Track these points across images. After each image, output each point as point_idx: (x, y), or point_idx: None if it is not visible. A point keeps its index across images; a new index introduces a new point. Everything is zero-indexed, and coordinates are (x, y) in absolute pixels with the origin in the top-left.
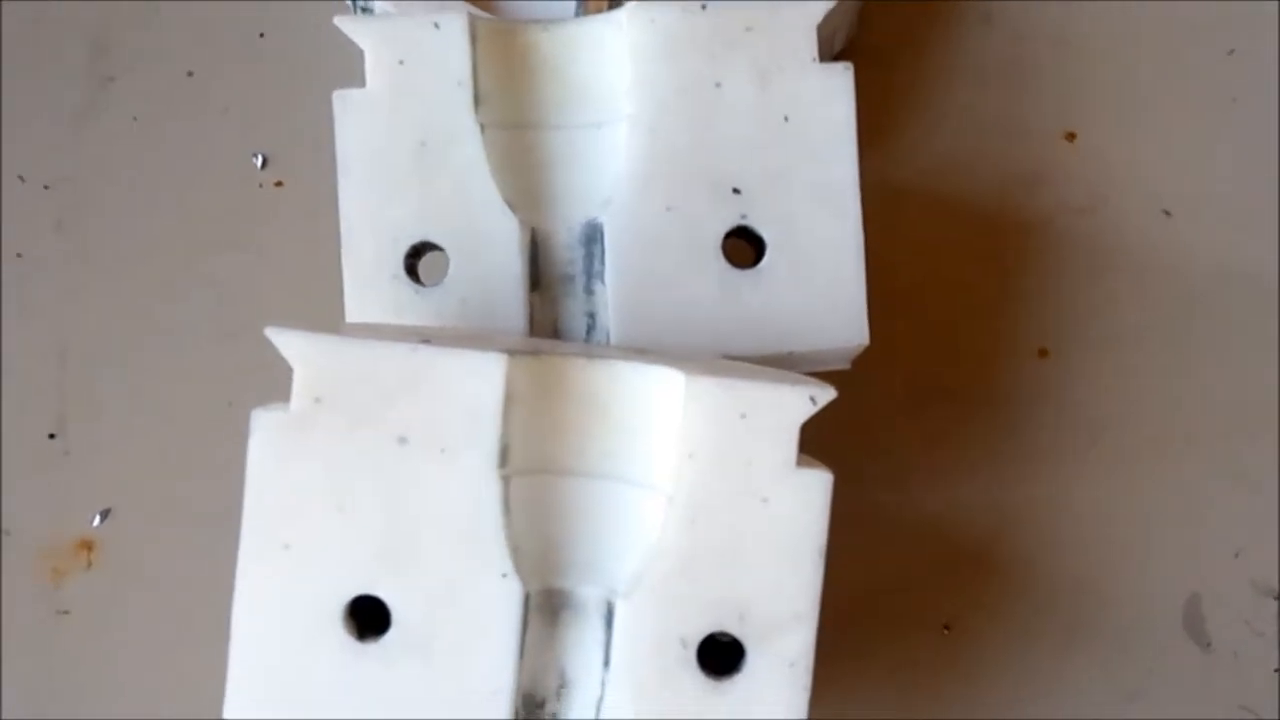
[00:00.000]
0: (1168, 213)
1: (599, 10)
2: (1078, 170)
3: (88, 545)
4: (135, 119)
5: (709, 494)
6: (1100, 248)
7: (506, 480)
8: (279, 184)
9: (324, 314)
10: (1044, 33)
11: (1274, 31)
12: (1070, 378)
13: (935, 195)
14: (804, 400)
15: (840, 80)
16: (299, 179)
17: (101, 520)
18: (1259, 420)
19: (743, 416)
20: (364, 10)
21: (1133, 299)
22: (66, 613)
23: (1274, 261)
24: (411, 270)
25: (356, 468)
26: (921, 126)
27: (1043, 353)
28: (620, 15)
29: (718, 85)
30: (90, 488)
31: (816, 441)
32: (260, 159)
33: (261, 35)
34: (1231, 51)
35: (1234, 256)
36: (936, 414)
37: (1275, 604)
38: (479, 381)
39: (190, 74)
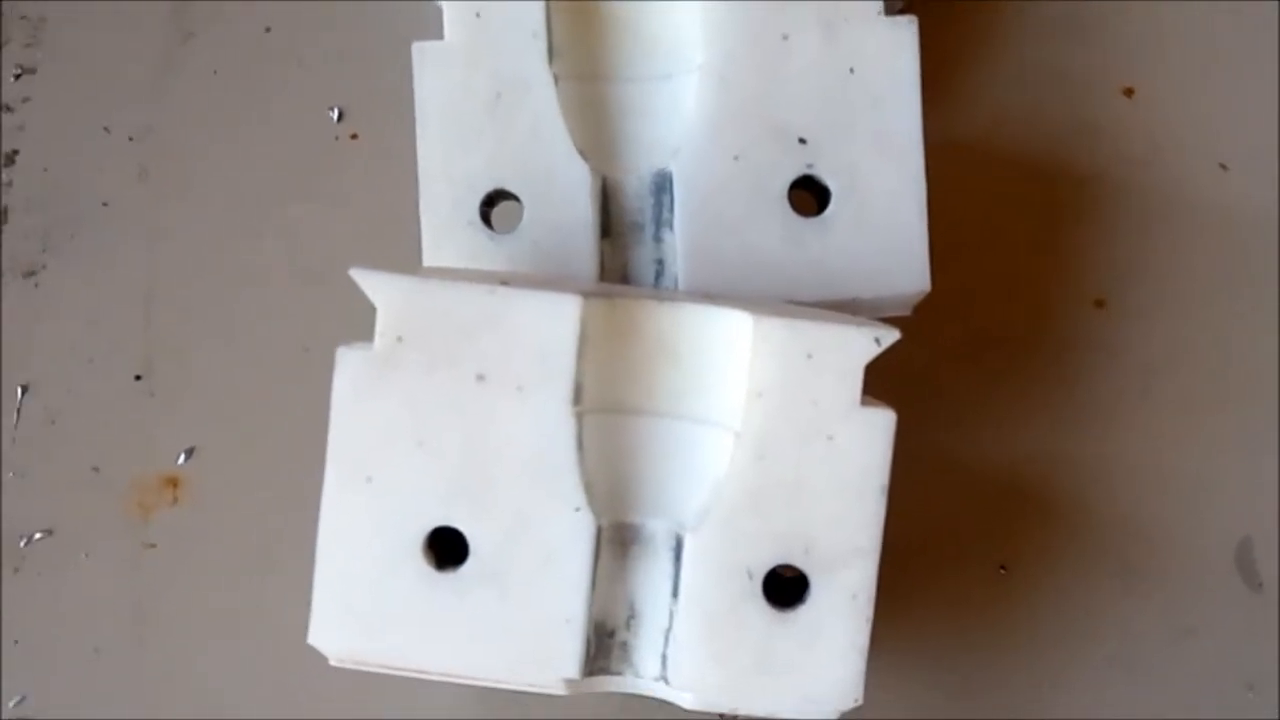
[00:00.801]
0: (1224, 166)
1: None
2: (1135, 124)
3: (173, 482)
4: (215, 72)
5: (776, 431)
6: (1156, 201)
7: (579, 418)
8: (354, 136)
9: (398, 261)
10: None
11: None
12: (1125, 328)
13: (994, 148)
14: (869, 340)
15: (905, 33)
16: (374, 131)
17: (186, 459)
18: None
19: (809, 356)
20: None
21: (1187, 251)
22: (153, 546)
23: None
24: (487, 217)
25: (436, 404)
26: (981, 80)
27: (1099, 303)
28: None
29: (785, 37)
30: (175, 427)
31: (878, 385)
32: (336, 112)
33: None
34: None
35: None
36: (994, 361)
37: None
38: (554, 322)
39: (268, 29)
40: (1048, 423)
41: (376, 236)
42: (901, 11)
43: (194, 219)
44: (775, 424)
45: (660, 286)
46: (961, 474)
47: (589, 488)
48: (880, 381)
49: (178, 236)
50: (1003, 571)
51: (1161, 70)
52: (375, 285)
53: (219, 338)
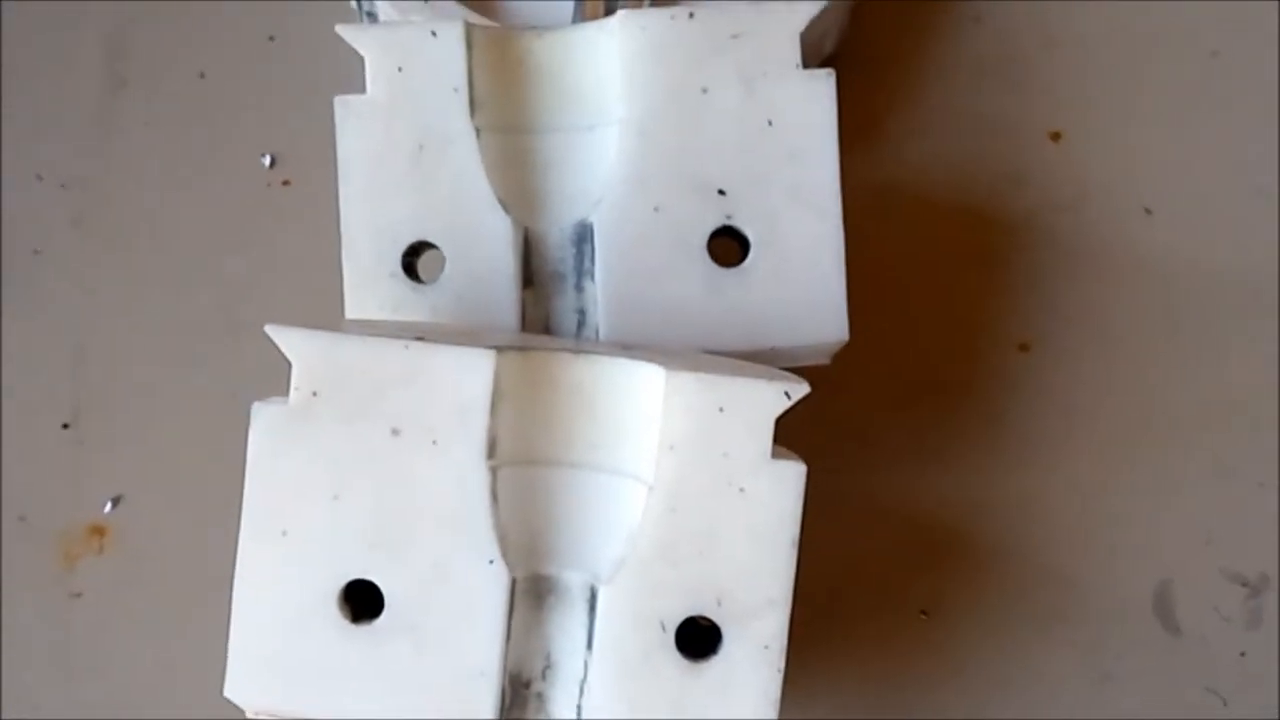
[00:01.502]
0: (1149, 211)
1: (595, 13)
2: (1062, 169)
3: (100, 531)
4: (148, 120)
5: (688, 484)
6: (1082, 245)
7: (495, 471)
8: (286, 183)
9: (328, 311)
10: (1033, 33)
11: (1257, 33)
12: (1050, 372)
13: (922, 193)
14: (779, 394)
15: (822, 85)
16: (306, 178)
17: (113, 507)
18: (1233, 413)
19: (720, 410)
20: (369, 15)
21: (1112, 295)
22: (79, 595)
23: (1251, 260)
24: (410, 269)
25: (352, 458)
26: (910, 125)
27: (1024, 347)
28: (612, 22)
29: (705, 90)
30: (102, 476)
31: (801, 432)
32: (269, 159)
33: (271, 38)
34: (1215, 53)
35: (1212, 254)
36: (919, 406)
37: (1243, 590)
38: (468, 377)
39: (202, 75)
40: (971, 467)
41: (307, 285)
42: (829, 59)
43: (125, 267)
44: (687, 476)
45: (582, 336)
46: (885, 519)
47: (504, 540)
48: (803, 428)
49: (109, 285)
50: (924, 616)
51: (1089, 115)
52: (289, 341)
53: (147, 387)
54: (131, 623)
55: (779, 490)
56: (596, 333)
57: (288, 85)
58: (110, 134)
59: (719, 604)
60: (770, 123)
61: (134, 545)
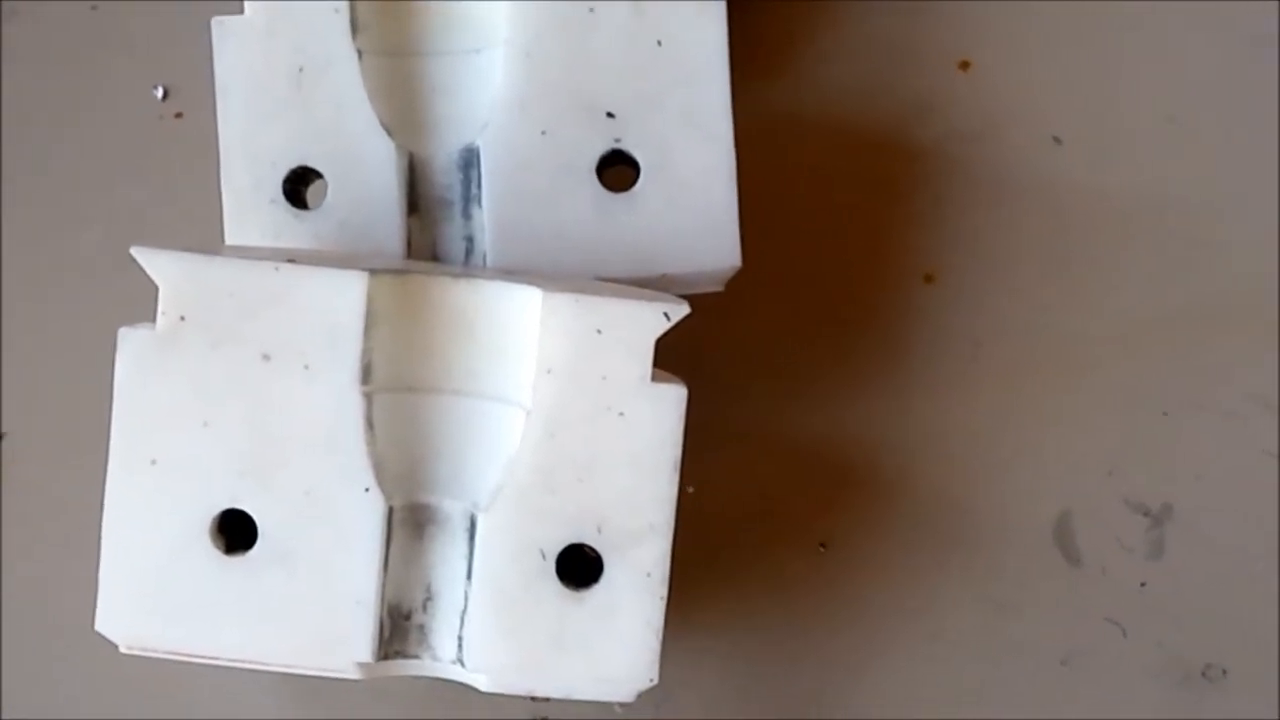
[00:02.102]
0: (1058, 140)
1: None
2: (970, 98)
3: None
4: (38, 52)
5: (566, 408)
6: (990, 175)
7: (369, 397)
8: (179, 115)
9: (219, 243)
10: None
11: None
12: (954, 302)
13: (829, 122)
14: (658, 315)
15: (712, 6)
16: (199, 111)
17: None
18: (1136, 344)
19: (598, 332)
20: None
21: (1018, 225)
22: None
23: (1158, 189)
24: (296, 196)
25: (221, 384)
26: (819, 53)
27: (929, 278)
28: None
29: (591, 10)
30: None
31: (699, 362)
32: (161, 91)
33: None
34: None
35: (1121, 184)
36: (821, 337)
37: (1144, 520)
38: (340, 299)
39: (93, 7)
40: (872, 398)
41: (200, 217)
42: None
43: (15, 201)
44: (565, 401)
45: (470, 263)
46: (784, 452)
47: (380, 467)
48: (703, 357)
49: None
50: (823, 549)
51: (998, 44)
52: (156, 264)
53: (36, 320)
54: (16, 560)
55: (659, 413)
56: (484, 260)
57: (181, 16)
58: None
59: (599, 531)
60: (660, 44)
61: (18, 481)
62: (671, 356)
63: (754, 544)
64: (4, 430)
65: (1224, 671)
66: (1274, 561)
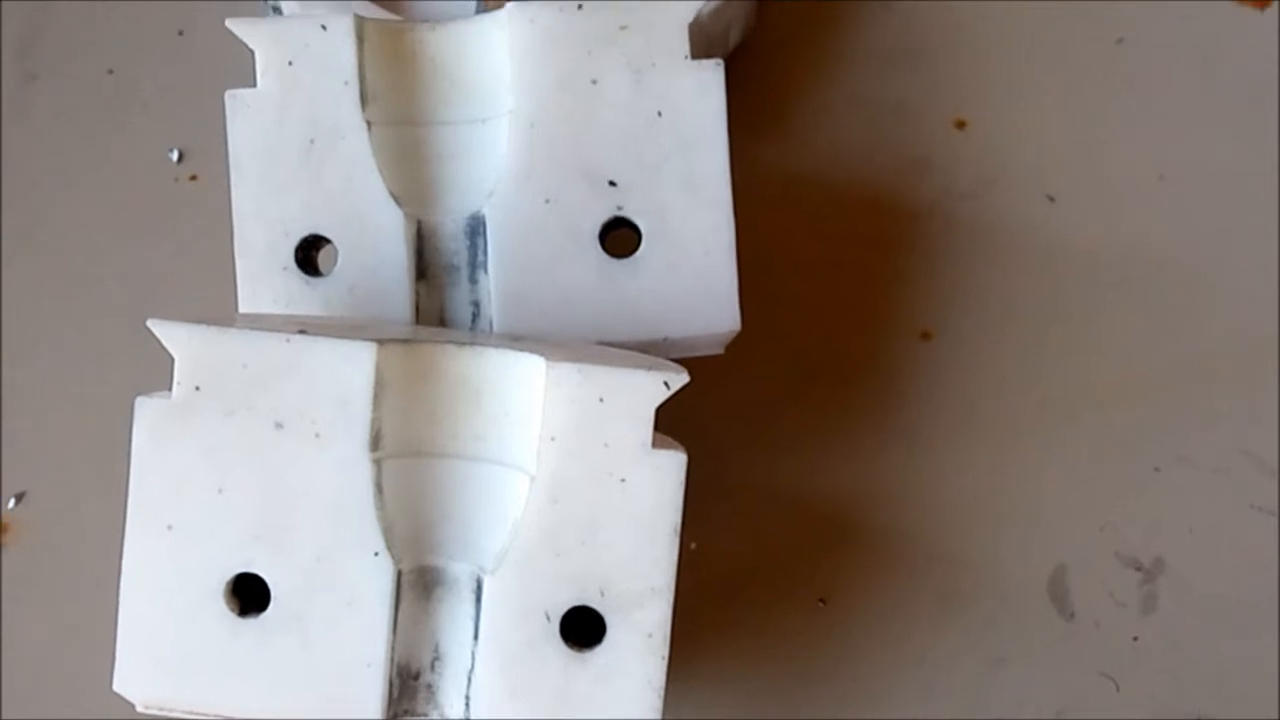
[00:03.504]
0: (1052, 198)
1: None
2: (966, 156)
3: (1, 527)
4: (57, 115)
5: (569, 474)
6: (984, 232)
7: (379, 463)
8: (194, 178)
9: (232, 305)
10: (939, 21)
11: (1161, 20)
12: (951, 359)
13: (827, 180)
14: (658, 384)
15: (711, 76)
16: (213, 174)
17: (16, 504)
18: (1129, 400)
19: (600, 400)
20: (274, 9)
21: (1013, 282)
22: None
23: (1151, 247)
24: (309, 262)
25: (235, 452)
26: (817, 113)
27: (925, 335)
28: (502, 14)
29: (594, 82)
30: (4, 472)
31: (700, 420)
32: (177, 154)
33: (180, 33)
34: (1120, 40)
35: (1113, 241)
36: (820, 394)
37: (1137, 575)
38: (350, 369)
39: (111, 71)
40: (870, 454)
41: (214, 280)
42: (736, 51)
43: (31, 262)
44: (568, 467)
45: (476, 328)
46: (783, 507)
47: (389, 532)
48: (703, 415)
49: (14, 279)
50: (822, 604)
51: (993, 103)
52: (171, 336)
53: (52, 382)
54: (34, 619)
55: (660, 480)
56: (490, 324)
57: (197, 80)
58: (19, 128)
59: (602, 594)
60: (660, 114)
61: (37, 542)
62: (673, 416)
63: (754, 599)
64: (22, 490)
65: None
66: (1265, 615)
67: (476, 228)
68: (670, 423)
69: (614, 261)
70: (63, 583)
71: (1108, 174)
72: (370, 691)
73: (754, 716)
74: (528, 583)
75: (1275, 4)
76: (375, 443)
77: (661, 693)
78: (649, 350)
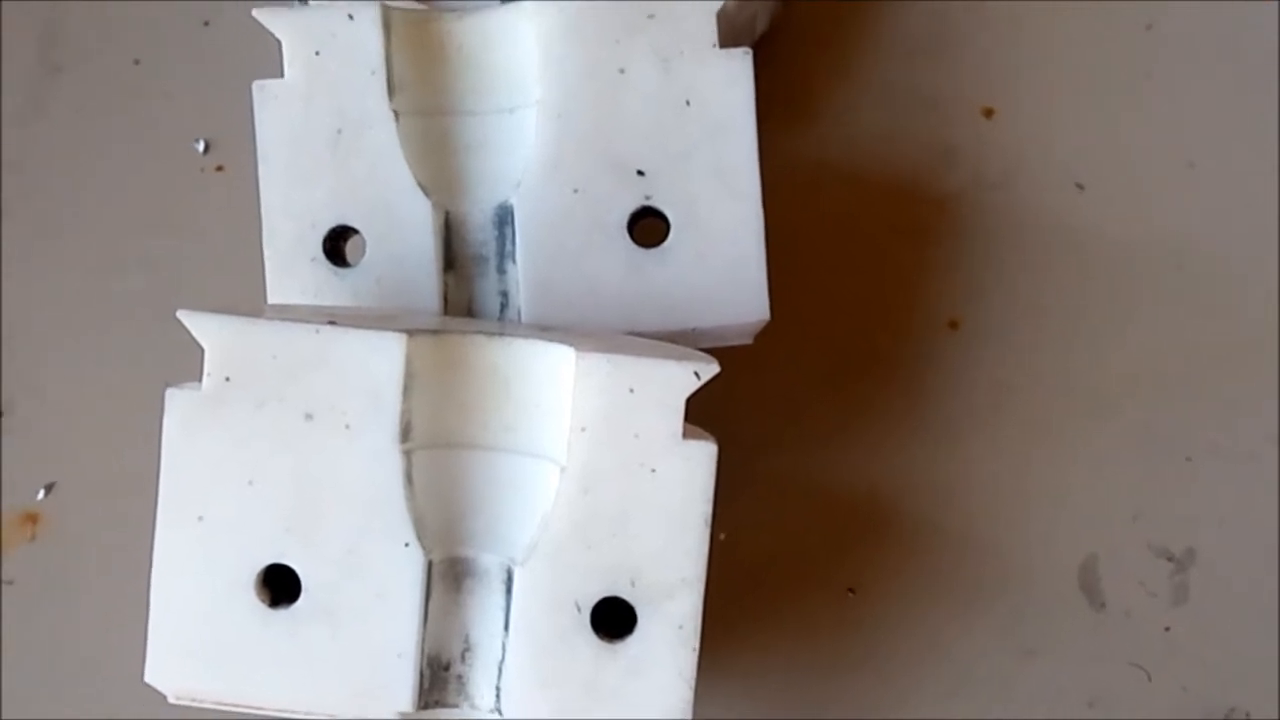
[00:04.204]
0: (1081, 186)
1: None
2: (994, 145)
3: (32, 518)
4: (82, 106)
5: (599, 465)
6: (1012, 221)
7: (409, 455)
8: (220, 168)
9: (259, 295)
10: (966, 9)
11: (1191, 7)
12: (980, 349)
13: (855, 170)
14: (688, 374)
15: (739, 65)
16: (239, 164)
17: (45, 494)
18: (1160, 388)
19: (631, 391)
20: (301, 0)
21: (1042, 271)
22: (11, 582)
23: (1180, 235)
24: (336, 252)
25: (265, 443)
26: (844, 102)
27: (954, 324)
28: (529, 3)
29: (622, 71)
30: (34, 463)
31: (728, 410)
32: (203, 144)
33: (206, 24)
34: (1149, 26)
35: (1143, 230)
36: (848, 384)
37: (1169, 565)
38: (379, 360)
39: (136, 61)
40: (899, 444)
41: (240, 270)
42: (762, 39)
43: (57, 255)
44: (598, 457)
45: (505, 318)
46: (812, 497)
47: (419, 523)
48: (732, 405)
49: (41, 272)
50: (851, 594)
51: (1022, 91)
52: (201, 326)
53: (80, 373)
54: (64, 610)
55: (690, 470)
56: (519, 314)
57: (222, 71)
58: (44, 120)
59: (633, 584)
60: (688, 103)
61: (67, 533)
62: (703, 406)
63: (784, 589)
64: (51, 481)
65: (1248, 715)
66: None
67: (504, 218)
68: (699, 413)
69: (642, 251)
70: (93, 574)
71: (1137, 162)
72: (401, 682)
73: (784, 706)
74: (558, 574)
75: None
76: (405, 434)
77: (692, 684)
78: (678, 340)
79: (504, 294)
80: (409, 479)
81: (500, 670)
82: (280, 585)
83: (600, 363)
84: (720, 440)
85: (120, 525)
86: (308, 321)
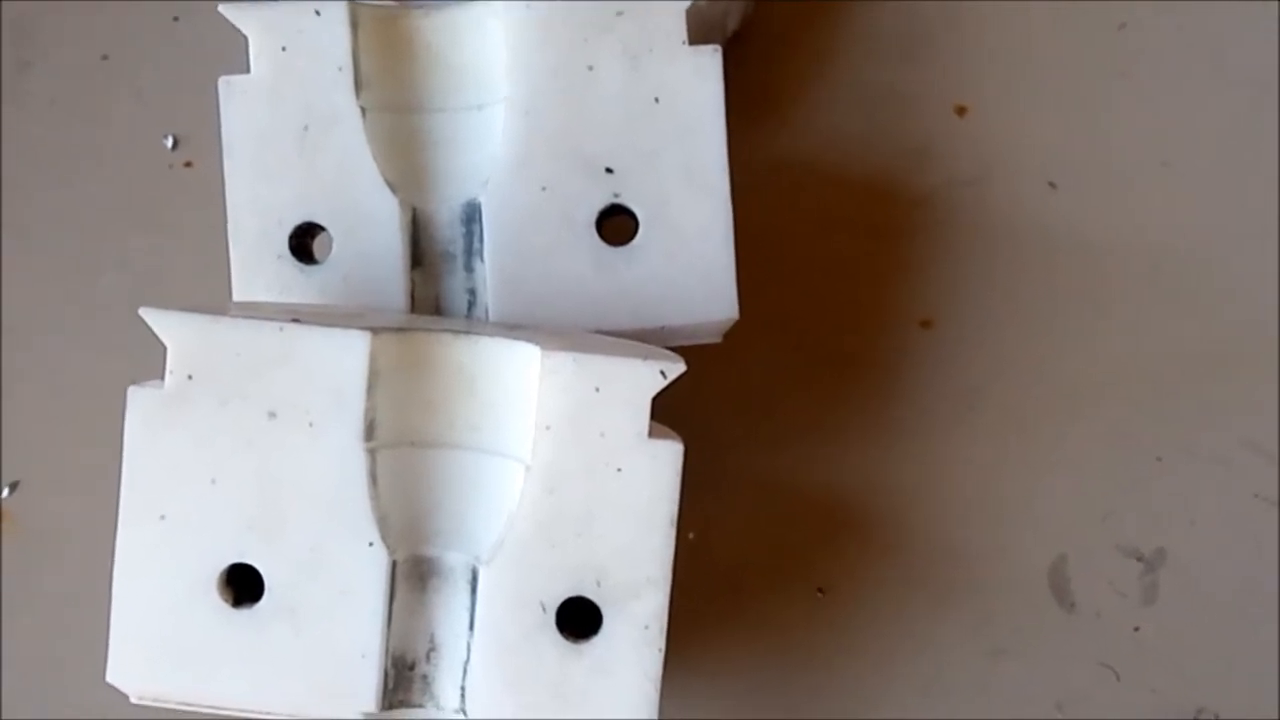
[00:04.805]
0: (1053, 185)
1: None
2: (967, 143)
3: None
4: (52, 101)
5: (565, 464)
6: (985, 220)
7: (373, 453)
8: (188, 164)
9: (228, 292)
10: (939, 7)
11: (1164, 6)
12: (951, 348)
13: (827, 168)
14: (654, 374)
15: (708, 62)
16: (208, 160)
17: (10, 492)
18: (1130, 388)
19: (596, 390)
20: None
21: (1015, 270)
22: None
23: (1152, 234)
24: (303, 249)
25: (228, 441)
26: (816, 100)
27: (925, 323)
28: (498, 1)
29: (590, 68)
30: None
31: (699, 408)
32: (171, 140)
33: (175, 19)
34: (1122, 26)
35: (1115, 229)
36: (819, 383)
37: (1138, 565)
38: (343, 358)
39: (105, 57)
40: (870, 443)
41: (208, 267)
42: (734, 37)
43: (26, 250)
44: (564, 456)
45: (472, 316)
46: (783, 496)
47: (383, 522)
48: (702, 403)
49: (8, 266)
50: (821, 594)
51: (994, 89)
52: (164, 324)
53: (46, 370)
54: (28, 608)
55: (656, 470)
56: (486, 313)
57: (191, 67)
58: (13, 115)
59: (599, 584)
60: (657, 100)
61: (31, 530)
62: (670, 404)
63: (753, 589)
64: (16, 479)
65: (1216, 715)
66: (1267, 605)
67: (472, 215)
68: (667, 412)
69: (611, 249)
70: (56, 573)
71: (1110, 161)
72: (365, 682)
73: (752, 706)
74: (523, 573)
75: None
76: (369, 432)
77: (658, 684)
78: (646, 339)
79: (471, 292)
80: (373, 478)
81: (465, 670)
82: (243, 585)
83: (565, 361)
84: (689, 439)
85: (84, 523)
86: (271, 319)
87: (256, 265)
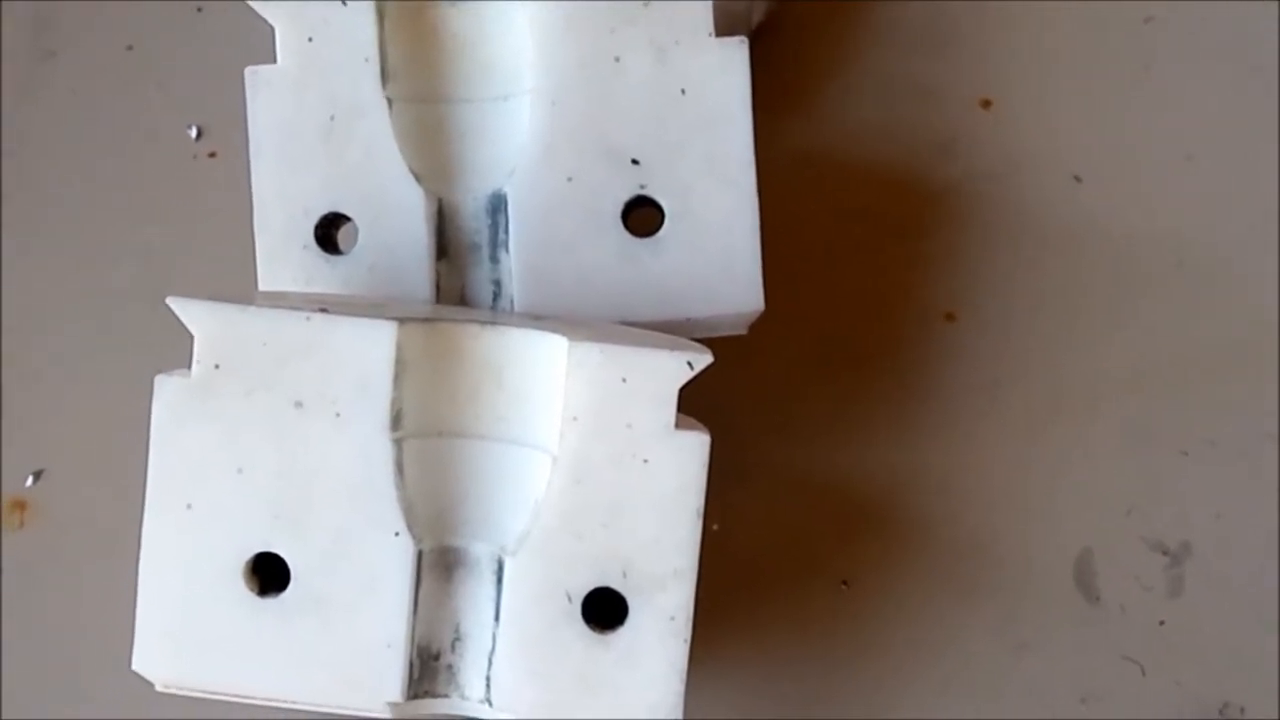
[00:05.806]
0: (1078, 179)
1: None
2: (991, 136)
3: (20, 505)
4: (75, 91)
5: (591, 455)
6: (1009, 213)
7: (399, 443)
8: (212, 155)
9: (251, 282)
10: (963, 2)
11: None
12: (975, 341)
13: (852, 161)
14: (681, 365)
15: (735, 54)
16: (232, 150)
17: (34, 481)
18: (1155, 383)
19: (623, 381)
20: None
21: (1038, 264)
22: None
23: (1178, 228)
24: (328, 240)
25: (254, 431)
26: (841, 93)
27: (949, 317)
28: None
29: (617, 59)
30: (23, 450)
31: (723, 401)
32: (196, 130)
33: (199, 9)
34: (1148, 19)
35: (1141, 223)
36: (843, 376)
37: (1163, 559)
38: (370, 348)
39: (129, 48)
40: (894, 436)
41: (233, 257)
42: (758, 30)
43: (49, 239)
44: (590, 447)
45: (497, 307)
46: (806, 489)
47: (409, 512)
48: (728, 396)
49: (32, 257)
50: (845, 587)
51: (1019, 82)
52: (190, 313)
53: (71, 359)
54: (53, 597)
55: (682, 461)
56: (512, 304)
57: (216, 57)
58: (37, 105)
59: (625, 575)
60: (683, 91)
61: (56, 519)
62: (696, 397)
63: (777, 581)
64: (41, 468)
65: (1242, 710)
66: None
67: (498, 206)
68: (692, 404)
69: (636, 240)
70: (81, 561)
71: (1135, 155)
72: (390, 672)
73: (776, 699)
74: (549, 564)
75: None
76: (396, 422)
77: (684, 675)
78: (671, 330)
79: (497, 283)
80: (399, 468)
81: (490, 660)
82: (269, 574)
83: (593, 352)
84: (714, 431)
85: (109, 512)
86: (298, 309)
87: (282, 255)
